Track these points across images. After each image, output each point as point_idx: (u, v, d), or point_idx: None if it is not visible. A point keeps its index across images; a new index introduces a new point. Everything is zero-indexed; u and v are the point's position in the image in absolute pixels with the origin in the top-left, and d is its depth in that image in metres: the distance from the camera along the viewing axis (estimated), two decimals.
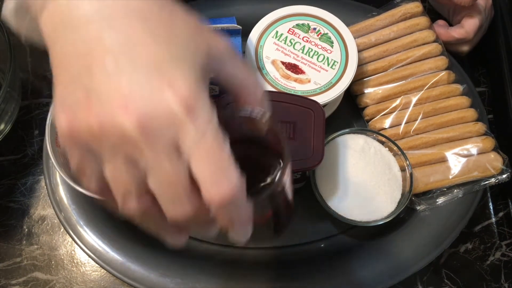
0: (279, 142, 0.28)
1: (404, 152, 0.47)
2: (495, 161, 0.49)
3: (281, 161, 0.28)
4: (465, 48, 0.56)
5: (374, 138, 0.49)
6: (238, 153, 0.27)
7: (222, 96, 0.28)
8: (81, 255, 0.50)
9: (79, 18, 0.22)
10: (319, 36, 0.49)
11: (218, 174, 0.21)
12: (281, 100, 0.42)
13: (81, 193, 0.40)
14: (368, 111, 0.53)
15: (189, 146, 0.21)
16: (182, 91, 0.21)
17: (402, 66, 0.53)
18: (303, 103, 0.42)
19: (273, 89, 0.47)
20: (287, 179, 0.27)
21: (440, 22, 0.57)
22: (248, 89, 0.26)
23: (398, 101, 0.52)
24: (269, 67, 0.48)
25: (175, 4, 0.24)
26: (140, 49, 0.21)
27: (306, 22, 0.50)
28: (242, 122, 0.27)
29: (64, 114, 0.22)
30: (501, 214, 0.53)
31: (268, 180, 0.26)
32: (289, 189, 0.29)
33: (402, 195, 0.47)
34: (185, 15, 0.24)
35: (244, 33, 0.48)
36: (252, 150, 0.30)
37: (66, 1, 0.22)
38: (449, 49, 0.55)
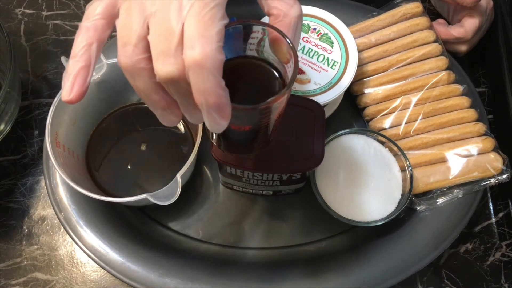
0: (292, 68, 0.28)
1: (404, 152, 0.47)
2: (495, 161, 0.49)
3: (282, 87, 0.29)
4: (463, 48, 0.56)
5: (374, 139, 0.49)
6: (250, 69, 0.31)
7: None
8: (81, 255, 0.50)
9: None
10: (319, 36, 0.49)
11: (198, 38, 0.23)
12: None
13: (81, 193, 0.40)
14: (368, 111, 0.53)
15: (188, 7, 0.23)
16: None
17: (402, 66, 0.53)
18: (303, 103, 0.42)
19: None
20: (279, 107, 0.28)
21: (440, 20, 0.57)
22: (281, 8, 0.27)
23: (398, 102, 0.52)
24: None
25: None
26: None
27: (306, 22, 0.50)
28: (269, 39, 0.28)
29: None
30: (501, 214, 0.53)
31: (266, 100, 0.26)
32: (279, 113, 0.29)
33: (402, 195, 0.47)
34: None
35: None
36: (262, 69, 0.31)
37: None
38: (447, 48, 0.55)
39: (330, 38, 0.49)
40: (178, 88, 0.24)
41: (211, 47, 0.23)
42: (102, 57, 0.43)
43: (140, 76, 0.25)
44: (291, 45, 0.27)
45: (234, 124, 0.27)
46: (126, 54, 0.24)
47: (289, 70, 0.28)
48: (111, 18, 0.26)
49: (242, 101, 0.25)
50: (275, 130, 0.34)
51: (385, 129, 0.51)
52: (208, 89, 0.23)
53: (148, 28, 0.24)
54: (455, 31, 0.54)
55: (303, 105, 0.42)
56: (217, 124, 0.25)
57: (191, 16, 0.23)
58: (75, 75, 0.27)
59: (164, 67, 0.24)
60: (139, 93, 0.26)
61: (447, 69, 0.52)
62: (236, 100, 0.25)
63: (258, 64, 0.31)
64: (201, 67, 0.23)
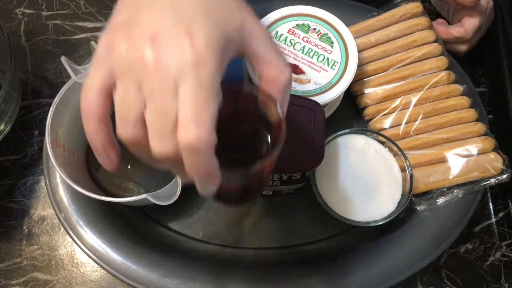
0: (279, 131, 0.29)
1: (404, 152, 0.47)
2: (495, 161, 0.49)
3: (272, 148, 0.29)
4: (463, 47, 0.56)
5: (374, 139, 0.49)
6: (240, 126, 0.32)
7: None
8: (81, 255, 0.50)
9: None
10: (319, 36, 0.49)
11: (192, 122, 0.24)
12: None
13: (81, 193, 0.40)
14: (368, 111, 0.53)
15: (184, 90, 0.24)
16: (199, 46, 0.24)
17: (402, 66, 0.53)
18: (303, 103, 0.42)
19: None
20: (269, 165, 0.29)
21: (440, 20, 0.57)
22: (271, 73, 0.29)
23: (398, 101, 0.52)
24: None
25: None
26: (184, 3, 0.26)
27: (306, 22, 0.50)
28: (259, 100, 0.29)
29: (108, 31, 0.26)
30: (501, 214, 0.53)
31: (256, 162, 0.27)
32: (268, 171, 0.30)
33: (402, 195, 0.47)
34: None
35: None
36: (253, 126, 0.32)
37: None
38: (447, 48, 0.55)
39: (330, 38, 0.49)
40: (173, 162, 0.26)
41: (204, 130, 0.24)
42: None
43: (139, 148, 0.26)
44: (279, 110, 0.28)
45: (224, 184, 0.28)
46: (126, 130, 0.26)
47: (278, 130, 0.29)
48: (109, 91, 0.26)
49: (231, 162, 0.27)
50: (266, 181, 0.35)
51: (385, 129, 0.51)
52: (200, 166, 0.25)
53: (145, 106, 0.25)
54: (455, 30, 0.54)
55: (303, 105, 0.42)
56: (206, 189, 0.27)
57: (185, 98, 0.24)
58: (105, 152, 0.28)
59: (159, 148, 0.25)
60: (140, 159, 0.28)
61: (447, 69, 0.52)
62: (225, 161, 0.26)
63: (248, 119, 0.32)
64: (194, 150, 0.24)
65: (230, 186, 0.31)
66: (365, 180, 0.46)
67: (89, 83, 0.26)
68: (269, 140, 0.31)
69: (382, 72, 0.53)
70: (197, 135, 0.23)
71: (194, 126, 0.23)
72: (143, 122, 0.25)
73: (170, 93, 0.24)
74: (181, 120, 0.24)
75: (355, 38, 0.50)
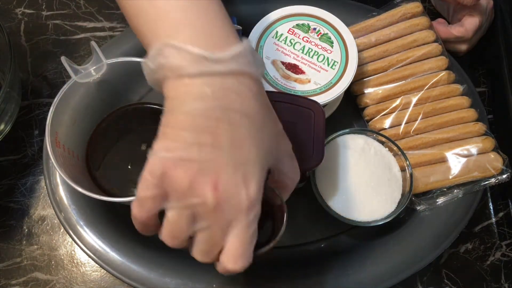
0: (282, 218, 0.35)
1: (404, 152, 0.47)
2: (495, 161, 0.49)
3: (276, 233, 0.35)
4: (463, 47, 0.56)
5: (374, 138, 0.49)
6: None
7: None
8: (81, 255, 0.50)
9: (202, 97, 0.29)
10: (319, 36, 0.49)
11: (240, 257, 0.30)
12: (281, 100, 0.42)
13: (81, 193, 0.40)
14: (368, 111, 0.53)
15: (234, 232, 0.29)
16: (252, 194, 0.29)
17: (402, 66, 0.53)
18: (303, 103, 0.42)
19: (273, 89, 0.47)
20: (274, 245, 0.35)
21: (440, 20, 0.57)
22: (287, 187, 0.35)
23: (398, 101, 0.52)
24: (269, 67, 0.48)
25: (269, 107, 0.32)
26: (241, 146, 0.29)
27: (306, 22, 0.50)
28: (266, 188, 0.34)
29: (168, 160, 0.28)
30: (501, 214, 0.53)
31: (265, 247, 0.34)
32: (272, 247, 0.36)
33: (402, 195, 0.47)
34: (272, 117, 0.32)
35: (244, 33, 0.48)
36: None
37: (188, 81, 0.29)
38: (447, 47, 0.55)
39: (330, 38, 0.49)
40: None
41: (248, 261, 0.30)
42: (102, 57, 0.43)
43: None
44: (285, 208, 0.34)
45: None
46: (174, 242, 0.31)
47: (280, 221, 0.35)
48: (158, 209, 0.30)
49: None
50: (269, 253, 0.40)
51: (385, 129, 0.51)
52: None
53: (195, 231, 0.30)
54: (455, 30, 0.54)
55: (303, 105, 0.42)
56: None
57: (234, 236, 0.29)
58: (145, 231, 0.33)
59: (200, 259, 0.31)
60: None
61: (447, 69, 0.52)
62: None
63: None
64: (235, 272, 0.30)
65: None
66: (365, 180, 0.46)
67: (142, 197, 0.30)
68: (273, 224, 0.37)
69: (382, 72, 0.53)
70: (242, 266, 0.30)
71: (242, 261, 0.29)
72: (188, 239, 0.30)
73: (222, 231, 0.29)
74: (230, 252, 0.30)
75: (355, 38, 0.50)
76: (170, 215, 0.29)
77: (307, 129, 0.41)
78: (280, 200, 0.35)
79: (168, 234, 0.30)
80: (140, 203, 0.30)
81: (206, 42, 0.29)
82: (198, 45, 0.29)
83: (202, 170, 0.28)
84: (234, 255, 0.29)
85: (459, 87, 0.52)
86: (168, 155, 0.28)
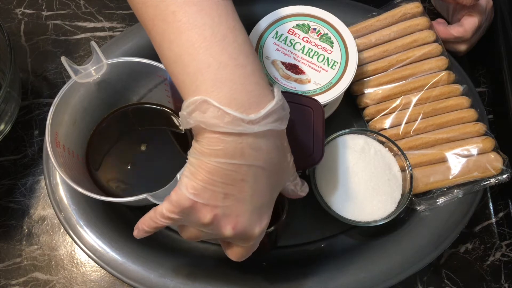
0: (282, 198, 0.39)
1: (404, 152, 0.47)
2: (495, 161, 0.49)
3: (280, 214, 0.40)
4: (463, 47, 0.56)
5: (374, 139, 0.49)
6: None
7: None
8: (81, 255, 0.50)
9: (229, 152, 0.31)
10: (319, 36, 0.49)
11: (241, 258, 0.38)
12: None
13: (81, 193, 0.40)
14: (368, 111, 0.53)
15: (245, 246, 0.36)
16: (263, 226, 0.35)
17: (402, 66, 0.53)
18: (303, 101, 0.42)
19: None
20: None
21: (440, 20, 0.57)
22: (292, 192, 0.39)
23: (398, 102, 0.52)
24: (269, 67, 0.48)
25: (285, 149, 0.35)
26: (260, 194, 0.34)
27: (306, 22, 0.50)
28: None
29: (194, 195, 0.32)
30: (501, 214, 0.53)
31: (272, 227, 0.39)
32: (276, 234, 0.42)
33: (402, 195, 0.47)
34: (287, 159, 0.36)
35: None
36: None
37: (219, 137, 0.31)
38: (446, 48, 0.55)
39: (330, 38, 0.49)
40: None
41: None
42: (102, 57, 0.43)
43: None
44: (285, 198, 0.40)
45: None
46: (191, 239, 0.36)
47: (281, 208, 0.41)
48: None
49: None
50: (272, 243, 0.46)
51: (385, 129, 0.51)
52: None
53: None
54: (455, 30, 0.54)
55: (303, 103, 0.41)
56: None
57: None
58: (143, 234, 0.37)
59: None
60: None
61: (447, 69, 0.52)
62: None
63: None
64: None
65: None
66: (365, 180, 0.46)
67: (163, 216, 0.33)
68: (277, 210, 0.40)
69: (382, 72, 0.53)
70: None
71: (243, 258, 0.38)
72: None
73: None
74: (234, 255, 0.38)
75: (355, 38, 0.50)
76: (190, 230, 0.35)
77: (306, 127, 0.41)
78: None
79: (185, 238, 0.36)
80: (156, 220, 0.34)
81: (242, 101, 0.31)
82: (236, 104, 0.31)
83: (225, 214, 0.33)
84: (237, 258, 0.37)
85: (459, 87, 0.52)
86: (198, 200, 0.32)
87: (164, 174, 0.47)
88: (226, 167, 0.31)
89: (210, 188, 0.32)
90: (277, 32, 0.49)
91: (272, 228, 0.39)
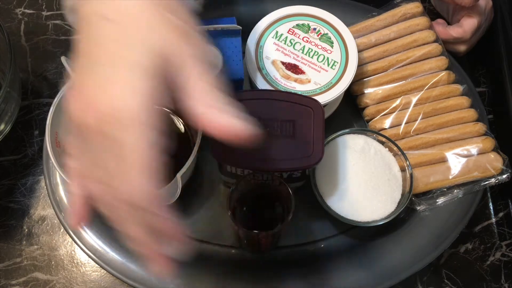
0: (289, 200, 0.39)
1: (404, 152, 0.47)
2: (495, 161, 0.49)
3: (285, 216, 0.40)
4: (462, 47, 0.56)
5: (374, 138, 0.49)
6: (261, 205, 0.46)
7: None
8: (81, 255, 0.50)
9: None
10: (319, 36, 0.49)
11: (124, 176, 0.27)
12: (280, 99, 0.42)
13: None
14: (368, 111, 0.53)
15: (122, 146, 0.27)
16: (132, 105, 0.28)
17: (402, 66, 0.53)
18: (303, 101, 0.42)
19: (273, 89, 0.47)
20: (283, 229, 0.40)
21: (439, 20, 0.57)
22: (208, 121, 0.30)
23: (398, 101, 0.52)
24: (269, 67, 0.48)
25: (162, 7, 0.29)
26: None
27: (306, 22, 0.50)
28: (261, 184, 0.42)
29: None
30: (501, 214, 0.53)
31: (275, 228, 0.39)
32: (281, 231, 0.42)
33: (402, 195, 0.47)
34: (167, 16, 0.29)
35: (244, 33, 0.48)
36: (271, 204, 0.45)
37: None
38: (446, 48, 0.55)
39: (330, 38, 0.49)
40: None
41: (136, 185, 0.30)
42: None
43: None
44: (291, 196, 0.39)
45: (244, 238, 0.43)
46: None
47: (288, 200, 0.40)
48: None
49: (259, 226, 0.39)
50: (277, 239, 0.47)
51: (385, 129, 0.51)
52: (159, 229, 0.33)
53: None
54: (454, 31, 0.54)
55: (303, 103, 0.41)
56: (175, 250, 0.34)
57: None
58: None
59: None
60: None
61: (447, 69, 0.52)
62: (254, 225, 0.39)
63: (267, 196, 0.44)
64: (130, 203, 0.31)
65: (260, 242, 0.43)
66: (365, 180, 0.46)
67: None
68: (282, 209, 0.43)
69: (382, 72, 0.53)
70: (130, 189, 0.30)
71: (127, 181, 0.29)
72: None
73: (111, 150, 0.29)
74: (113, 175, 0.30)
75: (355, 38, 0.50)
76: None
77: (307, 127, 0.41)
78: (287, 190, 0.39)
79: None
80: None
81: None
82: None
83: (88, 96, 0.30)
84: (117, 175, 0.29)
85: (459, 87, 0.52)
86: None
87: (164, 174, 0.47)
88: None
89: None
90: (277, 32, 0.49)
91: (278, 226, 0.39)
